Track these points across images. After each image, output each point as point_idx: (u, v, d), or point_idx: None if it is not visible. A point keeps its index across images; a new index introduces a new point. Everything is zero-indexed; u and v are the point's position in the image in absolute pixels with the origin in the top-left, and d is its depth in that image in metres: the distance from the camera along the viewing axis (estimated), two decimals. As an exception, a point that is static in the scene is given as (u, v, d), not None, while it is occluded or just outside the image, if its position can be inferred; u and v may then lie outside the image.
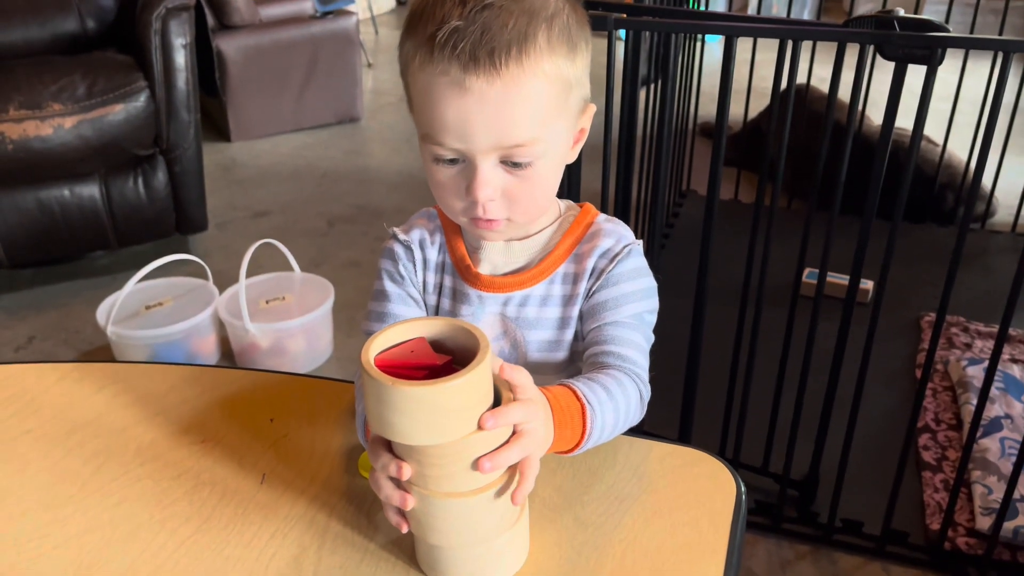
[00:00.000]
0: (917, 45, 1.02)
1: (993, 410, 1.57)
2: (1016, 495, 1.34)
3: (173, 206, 2.30)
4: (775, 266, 1.38)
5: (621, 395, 0.70)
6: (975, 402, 1.57)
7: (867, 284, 2.04)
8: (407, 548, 0.64)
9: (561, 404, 0.64)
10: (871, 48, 1.12)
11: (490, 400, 0.56)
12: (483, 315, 0.80)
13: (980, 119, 2.27)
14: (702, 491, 0.69)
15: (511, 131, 0.69)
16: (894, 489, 1.33)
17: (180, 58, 2.18)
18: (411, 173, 3.00)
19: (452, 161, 0.71)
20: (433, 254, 0.83)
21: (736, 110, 2.81)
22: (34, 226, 2.15)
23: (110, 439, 0.76)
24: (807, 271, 2.14)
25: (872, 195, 1.22)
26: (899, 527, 1.37)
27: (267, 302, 1.91)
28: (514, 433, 0.58)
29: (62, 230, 2.18)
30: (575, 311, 0.79)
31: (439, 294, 0.83)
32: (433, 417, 0.53)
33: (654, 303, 0.79)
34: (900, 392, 1.71)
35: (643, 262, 0.79)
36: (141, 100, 2.14)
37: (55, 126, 2.05)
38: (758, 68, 2.45)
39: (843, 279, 1.83)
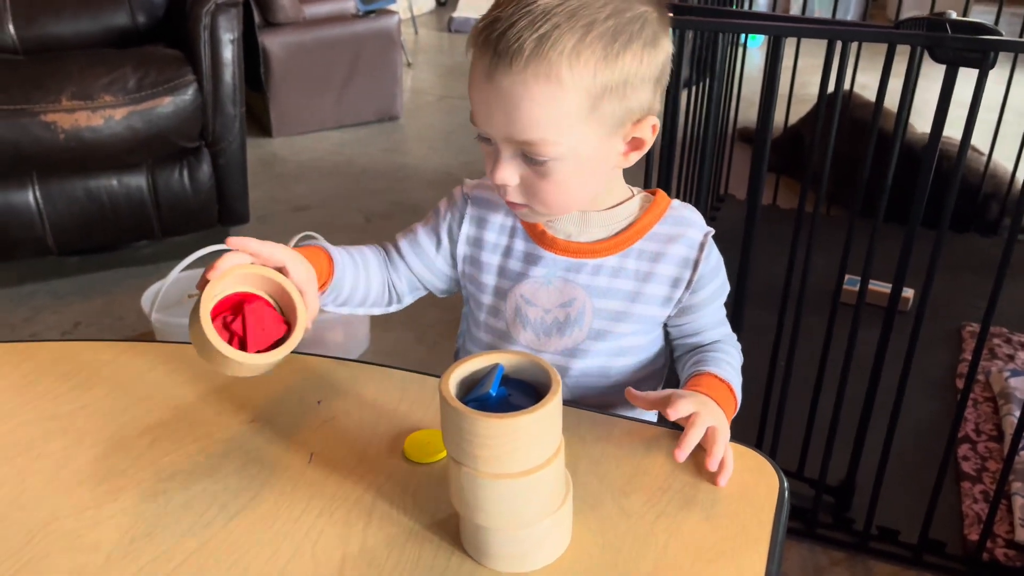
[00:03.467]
0: (970, 48, 1.02)
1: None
2: (1058, 509, 1.32)
3: (216, 198, 2.34)
4: (812, 272, 1.38)
5: (738, 358, 0.88)
6: (1017, 413, 1.55)
7: (908, 292, 2.02)
8: (451, 528, 0.65)
9: (720, 396, 0.79)
10: (921, 51, 1.11)
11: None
12: (554, 278, 0.85)
13: (1028, 129, 2.23)
14: (745, 485, 0.69)
15: (521, 128, 0.72)
16: (933, 498, 1.32)
17: (228, 53, 2.22)
18: (448, 171, 3.02)
19: (487, 140, 0.76)
20: (498, 216, 0.88)
21: (776, 116, 2.79)
22: (82, 214, 2.20)
23: (162, 415, 0.78)
24: (847, 278, 2.13)
25: (918, 203, 1.21)
26: (936, 537, 1.35)
27: (307, 294, 1.94)
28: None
29: (109, 219, 2.23)
30: (651, 289, 0.84)
31: (505, 255, 0.87)
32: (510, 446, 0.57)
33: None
34: (939, 402, 1.69)
35: (716, 248, 0.87)
36: (189, 93, 2.18)
37: (106, 117, 2.10)
38: (800, 74, 2.43)
39: (883, 287, 1.82)
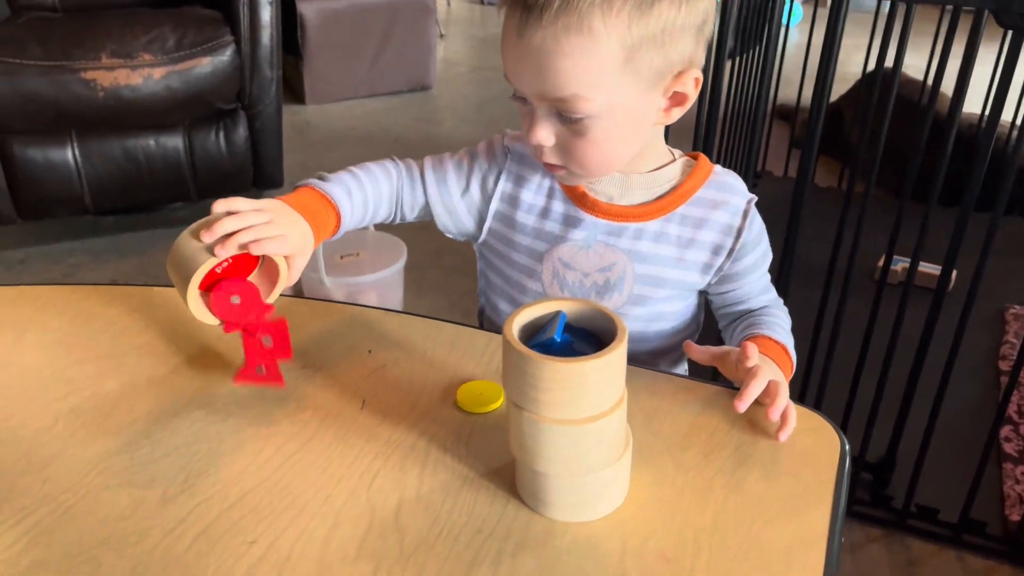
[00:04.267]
0: (1040, 12, 0.98)
1: (1081, 406, 1.51)
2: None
3: (252, 161, 2.34)
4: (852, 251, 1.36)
5: (787, 322, 0.87)
6: (1063, 397, 1.52)
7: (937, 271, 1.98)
8: (507, 477, 0.64)
9: (777, 357, 0.78)
10: (985, 16, 1.08)
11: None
12: (594, 242, 0.83)
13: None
14: (804, 445, 0.68)
15: (553, 85, 0.70)
16: (976, 478, 1.30)
17: (266, 15, 2.21)
18: (479, 140, 3.00)
19: (522, 99, 0.74)
20: (537, 175, 0.85)
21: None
22: (119, 174, 2.21)
23: (215, 360, 0.78)
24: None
25: (975, 185, 1.18)
26: (976, 517, 1.33)
27: (341, 257, 1.94)
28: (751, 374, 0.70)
29: (145, 179, 2.24)
30: (693, 255, 0.83)
31: (542, 216, 0.85)
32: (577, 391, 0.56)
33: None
34: (981, 382, 1.67)
35: (759, 215, 0.84)
36: (227, 54, 2.18)
37: (145, 76, 2.10)
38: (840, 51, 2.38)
39: (927, 268, 1.79)
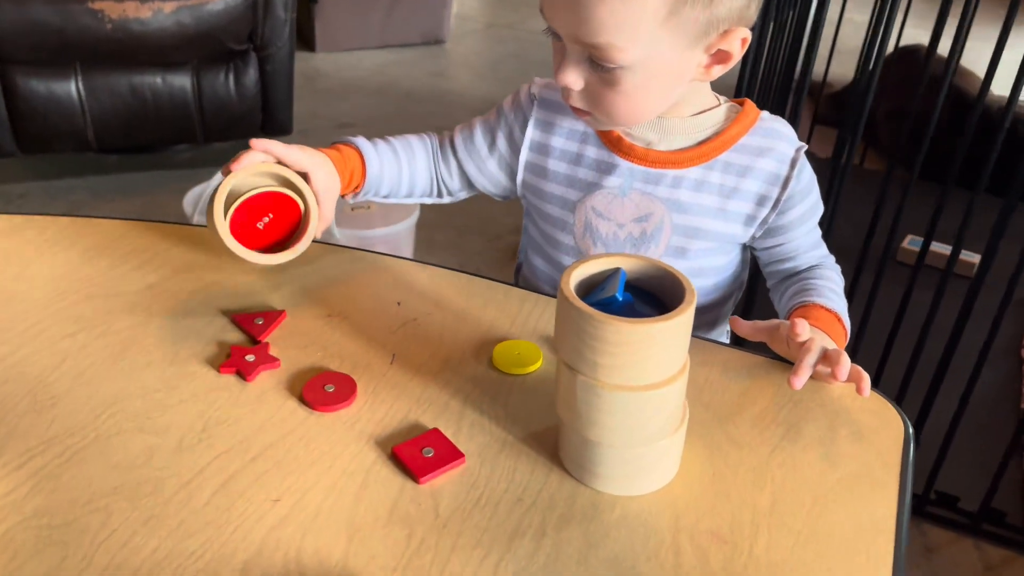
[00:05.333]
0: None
1: (1106, 400, 1.48)
2: None
3: (261, 106, 2.27)
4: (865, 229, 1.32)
5: (840, 283, 0.81)
6: (1088, 389, 1.49)
7: (974, 258, 1.94)
8: (548, 443, 0.60)
9: (829, 326, 0.73)
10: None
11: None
12: (630, 190, 0.79)
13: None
14: (865, 425, 0.64)
15: (587, 29, 0.65)
16: (1001, 466, 1.26)
17: (282, -47, 2.13)
18: (494, 100, 2.90)
19: (555, 35, 0.69)
20: (568, 120, 0.81)
21: (839, 69, 2.68)
22: (125, 111, 2.13)
23: (233, 302, 0.73)
24: (909, 238, 2.05)
25: (987, 167, 1.14)
26: (996, 506, 1.30)
27: (352, 208, 1.88)
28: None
29: (151, 118, 2.16)
30: (736, 205, 0.78)
31: (575, 163, 0.80)
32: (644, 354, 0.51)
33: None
34: (1003, 371, 1.63)
35: (809, 164, 0.79)
36: (240, -8, 2.10)
37: (155, 9, 2.01)
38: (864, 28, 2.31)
39: (945, 249, 1.74)
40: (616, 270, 0.56)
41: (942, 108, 1.21)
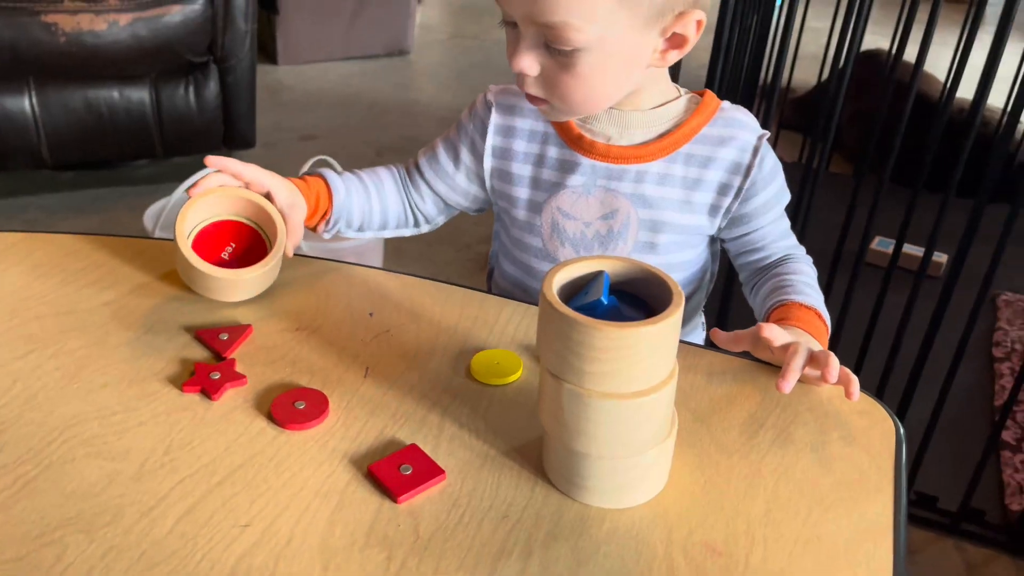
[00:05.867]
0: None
1: (1077, 395, 1.49)
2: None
3: (223, 119, 2.22)
4: (836, 231, 1.31)
5: (813, 276, 0.79)
6: (1060, 385, 1.50)
7: (941, 258, 1.95)
8: (532, 456, 0.57)
9: (810, 324, 0.71)
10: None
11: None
12: (594, 187, 0.78)
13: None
14: (855, 428, 0.62)
15: (541, 7, 0.64)
16: (978, 466, 1.26)
17: (242, -37, 2.09)
18: (461, 109, 2.90)
19: (511, 24, 0.68)
20: (527, 122, 0.80)
21: (803, 75, 2.70)
22: (80, 126, 2.07)
23: (196, 317, 0.70)
24: (877, 239, 2.06)
25: (957, 169, 1.14)
26: (975, 505, 1.30)
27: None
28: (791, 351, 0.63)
29: (108, 133, 2.11)
30: (700, 196, 0.77)
31: (538, 164, 0.79)
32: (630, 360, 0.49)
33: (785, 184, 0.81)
34: (975, 370, 1.64)
35: (773, 152, 0.78)
36: (199, 3, 2.05)
37: (110, 22, 1.97)
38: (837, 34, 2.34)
39: (914, 250, 1.75)
40: (599, 273, 0.53)
41: (901, 109, 1.21)
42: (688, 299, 0.84)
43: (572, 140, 0.78)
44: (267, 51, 3.23)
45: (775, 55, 1.31)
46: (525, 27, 0.67)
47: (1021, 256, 2.03)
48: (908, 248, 1.79)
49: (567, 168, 0.78)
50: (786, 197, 0.81)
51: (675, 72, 1.24)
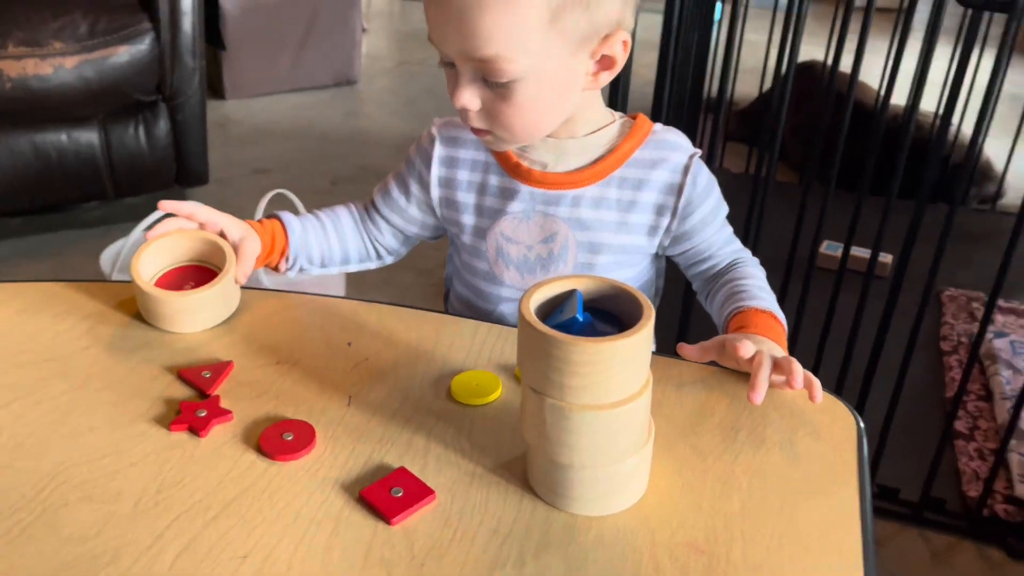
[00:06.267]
0: (1003, -10, 1.00)
1: (1022, 381, 1.56)
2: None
3: (174, 156, 2.21)
4: (785, 239, 1.37)
5: (763, 277, 0.82)
6: (1005, 373, 1.57)
7: (886, 258, 2.03)
8: (517, 471, 0.60)
9: (768, 329, 0.74)
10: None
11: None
12: (533, 213, 0.81)
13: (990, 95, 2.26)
14: (820, 424, 0.65)
15: (473, 44, 0.67)
16: (936, 456, 1.32)
17: (187, 1, 2.09)
18: (412, 136, 2.89)
19: (449, 64, 0.71)
20: (469, 152, 0.83)
21: (745, 87, 2.79)
22: (28, 171, 2.05)
23: (176, 357, 0.71)
24: (825, 243, 2.13)
25: (897, 172, 1.20)
26: (936, 495, 1.35)
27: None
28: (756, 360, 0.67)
29: (57, 177, 2.08)
30: (635, 218, 0.80)
31: (481, 193, 0.83)
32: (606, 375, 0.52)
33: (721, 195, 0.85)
34: (925, 364, 1.70)
35: (705, 166, 0.81)
36: (145, 43, 2.05)
37: (56, 65, 1.95)
38: (773, 46, 2.42)
39: (861, 252, 1.82)
40: (572, 292, 0.56)
41: (842, 118, 1.27)
42: None
43: (511, 168, 0.81)
44: (214, 86, 3.22)
45: (719, 70, 1.36)
46: (462, 64, 0.70)
47: (962, 253, 2.13)
48: (855, 251, 1.86)
49: (507, 195, 0.81)
50: (724, 209, 0.84)
51: (622, 91, 1.28)
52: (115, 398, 0.65)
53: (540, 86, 0.70)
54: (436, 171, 0.84)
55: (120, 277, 1.74)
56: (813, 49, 2.59)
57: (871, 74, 2.53)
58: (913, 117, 1.23)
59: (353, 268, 0.92)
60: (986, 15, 1.35)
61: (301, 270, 0.87)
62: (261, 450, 0.60)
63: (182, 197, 2.33)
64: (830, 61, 2.54)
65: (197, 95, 2.20)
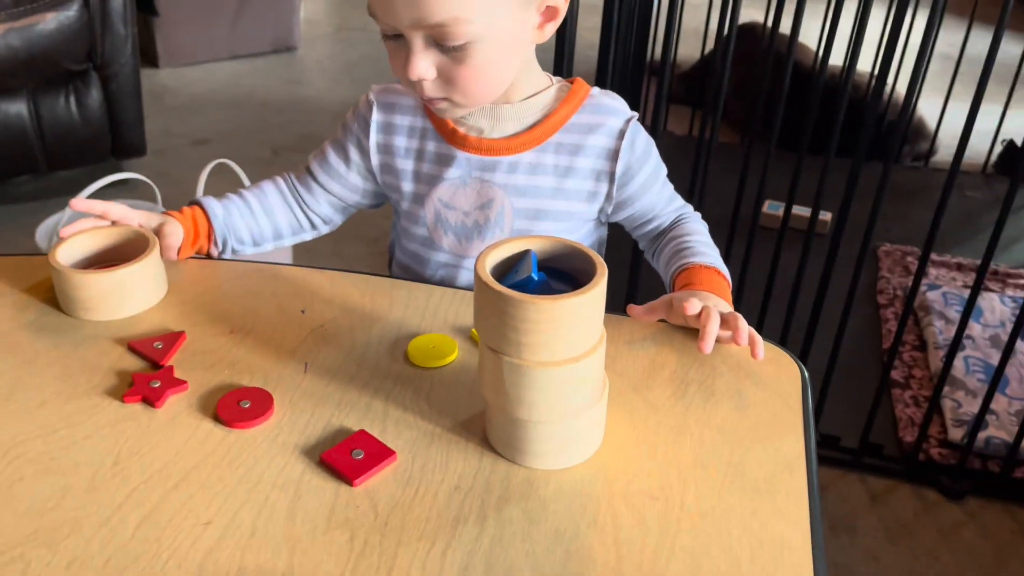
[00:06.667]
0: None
1: (953, 331, 1.62)
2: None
3: (109, 127, 2.15)
4: (728, 199, 1.40)
5: (706, 233, 0.84)
6: (938, 324, 1.63)
7: (826, 216, 2.08)
8: (476, 430, 0.61)
9: (713, 284, 0.76)
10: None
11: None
12: (470, 179, 0.81)
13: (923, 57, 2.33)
14: (766, 375, 0.68)
15: (428, 10, 0.66)
16: (874, 404, 1.37)
17: (116, -35, 2.02)
18: (353, 103, 2.89)
19: (394, 37, 0.70)
20: (406, 119, 0.82)
21: (688, 50, 2.81)
22: (-47, 144, 1.97)
23: (126, 329, 0.70)
24: (767, 203, 2.18)
25: (834, 131, 1.24)
26: (874, 441, 1.41)
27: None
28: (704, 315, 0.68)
29: (-15, 150, 2.01)
30: (572, 184, 0.80)
31: (418, 159, 0.82)
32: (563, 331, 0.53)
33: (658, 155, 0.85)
34: (862, 317, 1.76)
35: (643, 129, 0.82)
36: (74, 9, 1.97)
37: (-22, 33, 1.87)
38: (715, 9, 2.44)
39: (803, 211, 1.87)
40: (526, 252, 0.57)
41: (782, 79, 1.29)
42: None
43: (447, 134, 0.80)
44: (147, 54, 3.12)
45: (662, 33, 1.37)
46: (412, 33, 0.68)
47: (897, 209, 2.20)
48: (796, 209, 1.90)
49: (444, 161, 0.81)
50: (663, 169, 0.84)
51: (568, 54, 1.28)
52: (64, 372, 0.65)
53: (495, 44, 0.70)
54: (374, 137, 0.83)
55: (58, 253, 1.69)
56: (753, 12, 2.63)
57: (809, 36, 2.57)
58: (850, 77, 1.25)
59: (288, 242, 0.90)
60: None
61: (234, 251, 0.86)
62: (219, 418, 0.60)
63: (119, 169, 2.26)
64: (770, 23, 2.57)
65: (130, 63, 2.13)
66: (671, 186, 0.87)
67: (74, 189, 1.73)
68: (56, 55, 1.98)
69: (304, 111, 2.82)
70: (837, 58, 1.56)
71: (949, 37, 2.66)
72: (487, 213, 0.81)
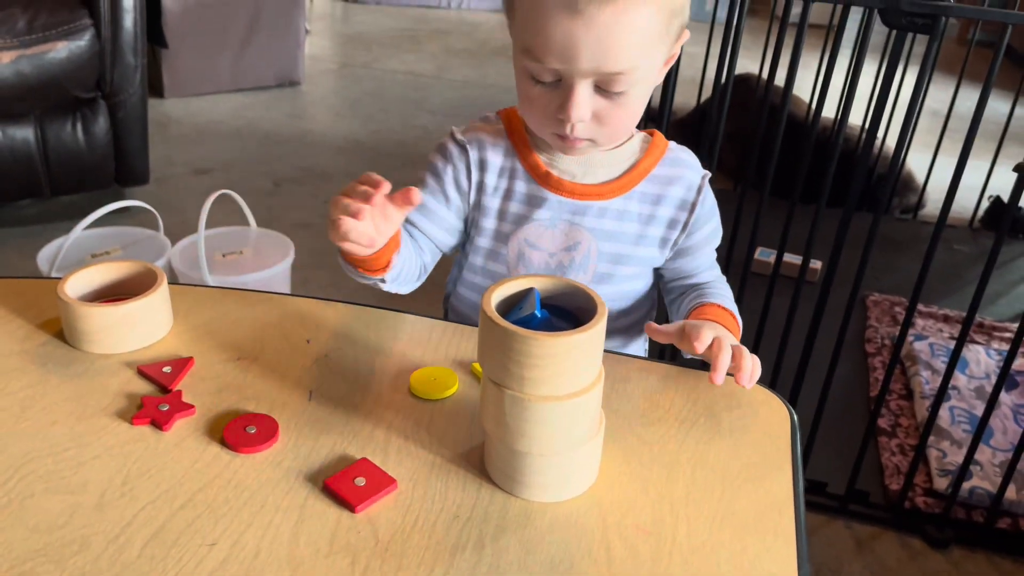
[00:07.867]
0: (922, 12, 1.06)
1: (939, 382, 1.65)
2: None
3: (114, 154, 2.18)
4: (721, 244, 1.42)
5: (729, 293, 0.88)
6: (924, 374, 1.66)
7: (816, 264, 2.12)
8: (475, 461, 0.63)
9: (725, 321, 0.79)
10: (871, 15, 1.16)
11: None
12: (559, 221, 0.83)
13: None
14: (758, 417, 0.70)
15: (614, 58, 0.69)
16: (861, 451, 1.39)
17: (129, -3, 2.07)
18: (357, 139, 2.93)
19: (548, 81, 0.72)
20: (497, 158, 0.84)
21: (684, 98, 2.87)
22: (-40, 167, 1.99)
23: (135, 354, 0.71)
24: (759, 250, 2.21)
25: (826, 181, 1.28)
26: (860, 488, 1.42)
27: (224, 255, 1.84)
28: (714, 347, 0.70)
29: (-10, 173, 2.03)
30: (652, 231, 0.84)
31: (506, 198, 0.84)
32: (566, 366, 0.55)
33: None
34: (851, 364, 1.79)
35: (711, 190, 0.86)
36: (85, 39, 2.02)
37: (-9, 59, 1.91)
38: (713, 59, 2.50)
39: (794, 259, 1.91)
40: (529, 290, 0.59)
41: (776, 129, 1.33)
42: (637, 322, 0.91)
43: (540, 177, 0.83)
44: (153, 85, 3.16)
45: (672, 82, 1.41)
46: (580, 79, 0.70)
47: (886, 259, 2.24)
48: (788, 257, 1.94)
49: (534, 203, 0.83)
50: (720, 233, 0.89)
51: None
52: (74, 393, 0.66)
53: (646, 87, 0.74)
54: (476, 176, 0.84)
55: (59, 275, 1.71)
56: (747, 63, 2.69)
57: (802, 88, 2.63)
58: (842, 130, 1.30)
59: (407, 289, 0.86)
60: (909, 35, 1.43)
61: (383, 282, 0.81)
62: (225, 443, 0.62)
63: (121, 196, 2.29)
64: (765, 74, 2.64)
65: (138, 93, 2.17)
66: (716, 254, 0.90)
67: (76, 214, 1.75)
68: (66, 83, 2.02)
69: (306, 144, 2.87)
70: (829, 111, 1.60)
71: (938, 94, 2.73)
72: (572, 255, 0.83)
